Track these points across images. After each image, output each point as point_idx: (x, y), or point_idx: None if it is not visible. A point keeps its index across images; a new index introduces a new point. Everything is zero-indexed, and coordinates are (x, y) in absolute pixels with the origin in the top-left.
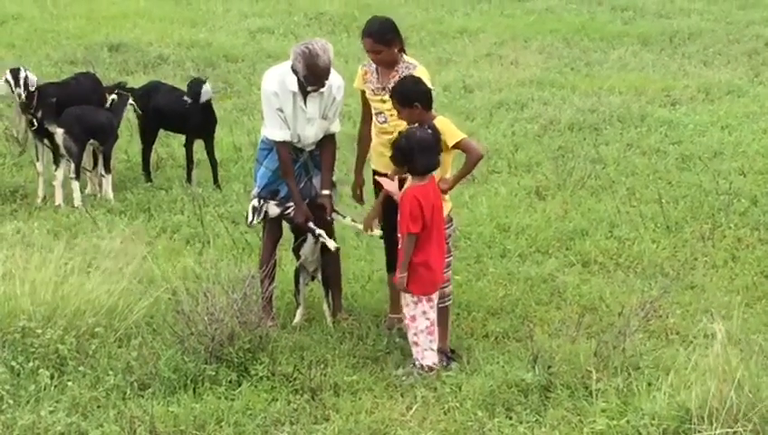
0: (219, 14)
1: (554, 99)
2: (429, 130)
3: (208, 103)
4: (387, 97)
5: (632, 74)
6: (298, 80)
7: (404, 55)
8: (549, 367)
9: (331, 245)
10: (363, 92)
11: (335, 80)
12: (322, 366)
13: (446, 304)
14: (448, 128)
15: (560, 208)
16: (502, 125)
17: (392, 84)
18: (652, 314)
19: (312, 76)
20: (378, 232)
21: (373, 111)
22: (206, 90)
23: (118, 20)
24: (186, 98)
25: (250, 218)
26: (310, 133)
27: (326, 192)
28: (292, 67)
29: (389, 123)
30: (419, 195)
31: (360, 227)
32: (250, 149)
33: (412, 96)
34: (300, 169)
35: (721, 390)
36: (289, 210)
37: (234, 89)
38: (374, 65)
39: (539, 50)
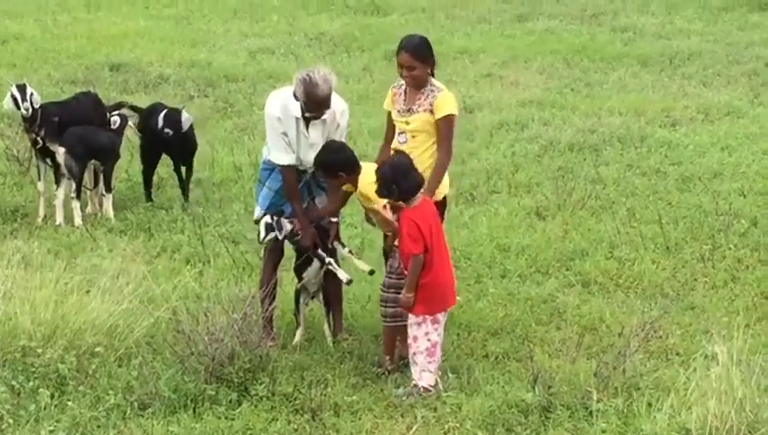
0: (219, 34)
1: (554, 119)
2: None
3: (190, 129)
4: (411, 119)
5: (632, 95)
6: (301, 105)
7: (432, 78)
8: (549, 387)
9: (343, 276)
10: (389, 113)
11: (338, 105)
12: (323, 386)
13: None
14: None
15: (560, 229)
16: (502, 145)
17: (417, 105)
18: (652, 335)
19: (311, 104)
20: (367, 268)
21: (396, 132)
22: (186, 118)
23: (118, 40)
24: (167, 130)
25: (263, 235)
26: (312, 157)
27: (334, 220)
28: (293, 92)
29: (408, 144)
30: (414, 216)
31: (357, 261)
32: (250, 169)
33: (335, 166)
34: (302, 190)
35: (722, 410)
36: (298, 235)
37: (234, 109)
38: (403, 86)
39: (539, 70)
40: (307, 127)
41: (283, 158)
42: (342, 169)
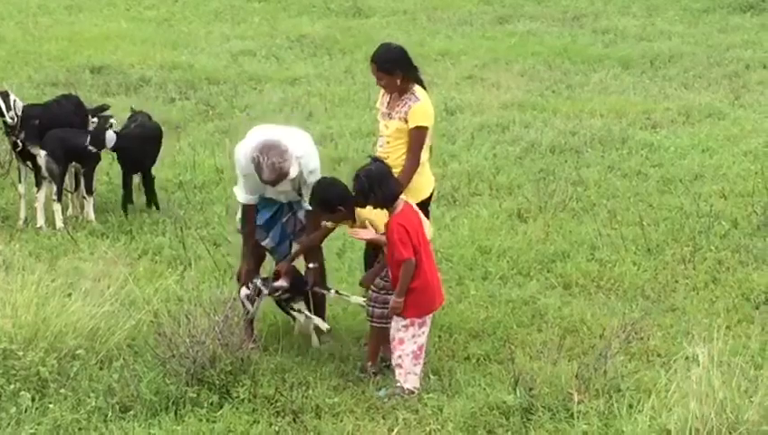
0: (201, 36)
1: (536, 121)
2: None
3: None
4: (389, 123)
5: (613, 97)
6: None
7: (415, 86)
8: (530, 389)
9: (356, 300)
10: None
11: (308, 164)
12: (304, 388)
13: None
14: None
15: (541, 231)
16: (483, 148)
17: (395, 111)
18: (633, 337)
19: (260, 178)
20: (361, 300)
21: (377, 134)
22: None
23: (100, 42)
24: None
25: (249, 309)
26: (281, 196)
27: (312, 265)
28: None
29: (384, 148)
30: (401, 221)
31: (351, 298)
32: (232, 171)
33: (334, 201)
34: (282, 206)
35: (702, 412)
36: (278, 292)
37: (216, 111)
38: None
39: (520, 72)
40: None
41: (242, 196)
42: (341, 203)
